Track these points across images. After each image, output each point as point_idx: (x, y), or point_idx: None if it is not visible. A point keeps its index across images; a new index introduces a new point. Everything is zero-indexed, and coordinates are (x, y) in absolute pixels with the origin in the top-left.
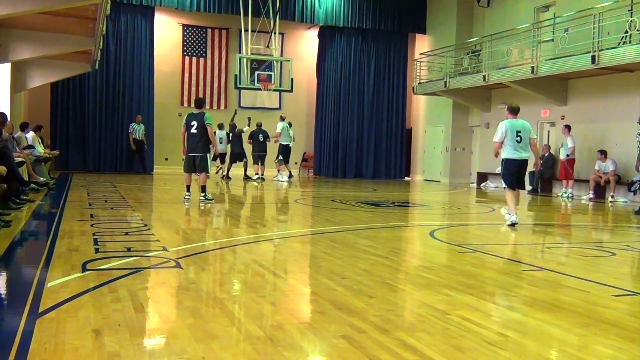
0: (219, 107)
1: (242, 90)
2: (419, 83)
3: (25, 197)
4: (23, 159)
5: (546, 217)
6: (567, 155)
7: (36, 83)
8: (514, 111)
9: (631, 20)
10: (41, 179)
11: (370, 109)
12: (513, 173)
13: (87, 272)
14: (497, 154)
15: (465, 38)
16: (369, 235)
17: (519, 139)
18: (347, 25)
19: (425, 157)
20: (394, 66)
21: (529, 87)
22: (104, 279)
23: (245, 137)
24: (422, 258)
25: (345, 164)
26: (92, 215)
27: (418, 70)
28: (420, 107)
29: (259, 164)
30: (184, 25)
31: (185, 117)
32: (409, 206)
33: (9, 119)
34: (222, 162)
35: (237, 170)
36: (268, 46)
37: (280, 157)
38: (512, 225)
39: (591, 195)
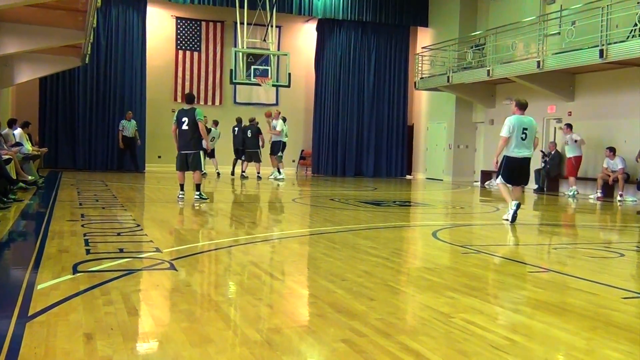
0: (213, 102)
1: (237, 86)
2: (421, 78)
3: (13, 197)
4: (11, 157)
5: (552, 216)
6: (575, 155)
7: (24, 78)
8: (523, 107)
9: None
10: (29, 177)
11: (370, 105)
12: (513, 171)
13: (78, 274)
14: (500, 152)
15: (468, 31)
16: (369, 235)
17: (524, 136)
18: (346, 18)
19: (427, 154)
20: (395, 60)
21: (535, 82)
22: (96, 281)
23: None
24: (425, 259)
25: (344, 162)
26: (82, 215)
27: (420, 65)
28: (422, 103)
29: (250, 161)
30: (177, 18)
31: (176, 113)
32: (410, 205)
33: None
34: (211, 157)
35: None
36: (265, 40)
37: (280, 153)
38: (514, 218)
39: (599, 194)
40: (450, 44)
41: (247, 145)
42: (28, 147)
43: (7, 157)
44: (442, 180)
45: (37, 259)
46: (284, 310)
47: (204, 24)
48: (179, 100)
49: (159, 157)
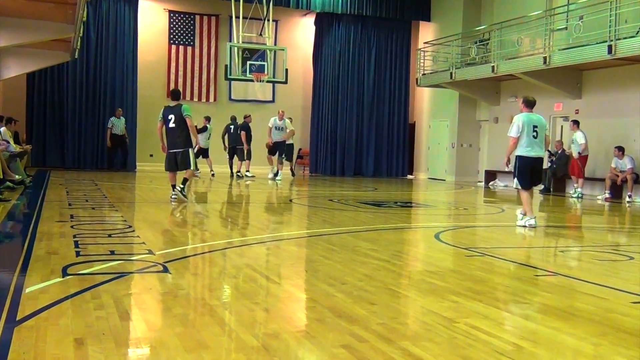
0: (207, 99)
1: (232, 82)
2: (423, 74)
3: None
4: None
5: (559, 218)
6: (579, 153)
7: (11, 73)
8: (530, 104)
9: None
10: (17, 176)
11: (370, 102)
12: (527, 172)
13: (68, 277)
14: (511, 152)
15: (472, 26)
16: (369, 237)
17: (535, 134)
18: (345, 11)
19: (429, 153)
20: (396, 56)
21: (541, 79)
22: (86, 285)
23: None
24: (427, 262)
25: (343, 161)
26: (72, 216)
27: (422, 61)
28: (424, 100)
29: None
30: (170, 11)
31: (162, 111)
32: (412, 206)
33: None
34: (205, 156)
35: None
36: (261, 34)
37: (284, 155)
38: (526, 226)
39: (607, 195)
40: (454, 39)
41: (231, 141)
42: (12, 145)
43: None
44: (444, 180)
45: (25, 262)
46: (281, 315)
47: (197, 17)
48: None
49: (151, 155)
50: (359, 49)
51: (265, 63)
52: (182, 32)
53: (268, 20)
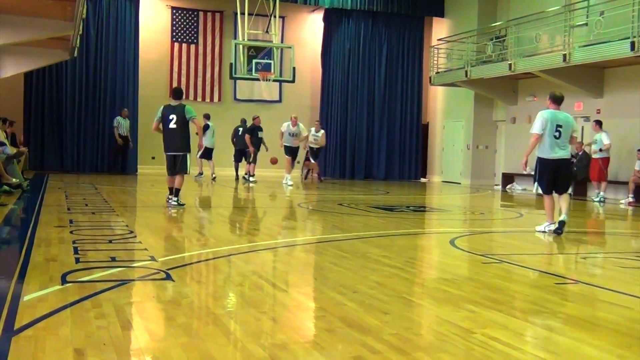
0: (212, 99)
1: (238, 81)
2: (437, 73)
3: None
4: None
5: (580, 223)
6: (600, 150)
7: (8, 73)
8: (557, 100)
9: None
10: (14, 180)
11: (381, 102)
12: (548, 175)
13: (68, 285)
14: (531, 151)
15: (488, 22)
16: (381, 243)
17: (557, 134)
18: (355, 7)
19: (443, 155)
20: (409, 54)
21: (561, 78)
22: (86, 293)
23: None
24: (442, 269)
25: (353, 164)
26: (71, 221)
27: (436, 59)
28: (438, 100)
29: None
30: (172, 7)
31: (161, 109)
32: (425, 211)
33: None
34: (209, 158)
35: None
36: (267, 31)
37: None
38: (548, 232)
39: (631, 199)
40: (469, 36)
41: (239, 144)
42: (8, 147)
43: None
44: (459, 183)
45: (22, 269)
46: (289, 325)
47: (201, 14)
48: None
49: (153, 158)
50: (370, 47)
51: (271, 61)
52: (185, 29)
53: (275, 16)
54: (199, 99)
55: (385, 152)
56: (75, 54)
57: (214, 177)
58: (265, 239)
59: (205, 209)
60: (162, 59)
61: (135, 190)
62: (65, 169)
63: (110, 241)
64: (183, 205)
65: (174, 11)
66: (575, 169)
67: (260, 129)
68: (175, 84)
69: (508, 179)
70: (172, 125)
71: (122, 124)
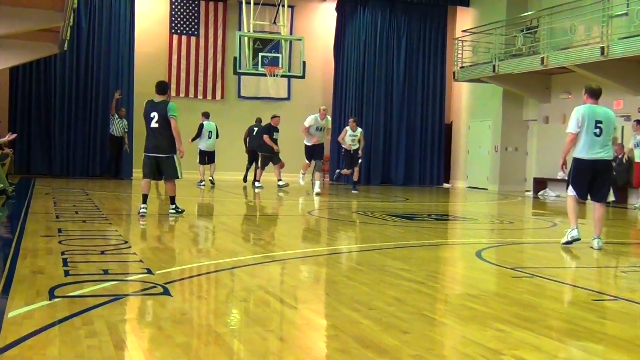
0: (214, 96)
1: (242, 77)
2: (461, 67)
3: None
4: None
5: (620, 233)
6: None
7: None
8: (595, 94)
9: None
10: None
11: (400, 100)
12: (584, 178)
13: (56, 300)
14: (568, 152)
15: (518, 12)
16: (400, 255)
17: (598, 131)
18: None
19: (468, 159)
20: (430, 46)
21: (598, 73)
22: (76, 309)
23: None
24: (468, 284)
25: (369, 167)
26: (60, 230)
27: (460, 52)
28: (462, 97)
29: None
30: None
31: (144, 106)
32: (449, 220)
33: None
34: (210, 162)
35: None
36: (275, 22)
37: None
38: (570, 242)
39: None
40: (497, 27)
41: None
42: None
43: None
44: (486, 189)
45: (7, 282)
46: (298, 345)
47: (202, 3)
48: (174, 93)
49: None
50: (387, 39)
51: (279, 55)
52: (185, 20)
53: (283, 6)
54: (200, 96)
55: (405, 155)
56: (65, 47)
57: (213, 182)
58: (272, 250)
59: (207, 217)
60: (160, 52)
61: (130, 196)
62: (53, 173)
63: (102, 252)
64: (182, 212)
65: (173, 1)
66: (615, 174)
67: (277, 130)
68: (174, 80)
69: (540, 184)
70: (153, 124)
71: (117, 124)
